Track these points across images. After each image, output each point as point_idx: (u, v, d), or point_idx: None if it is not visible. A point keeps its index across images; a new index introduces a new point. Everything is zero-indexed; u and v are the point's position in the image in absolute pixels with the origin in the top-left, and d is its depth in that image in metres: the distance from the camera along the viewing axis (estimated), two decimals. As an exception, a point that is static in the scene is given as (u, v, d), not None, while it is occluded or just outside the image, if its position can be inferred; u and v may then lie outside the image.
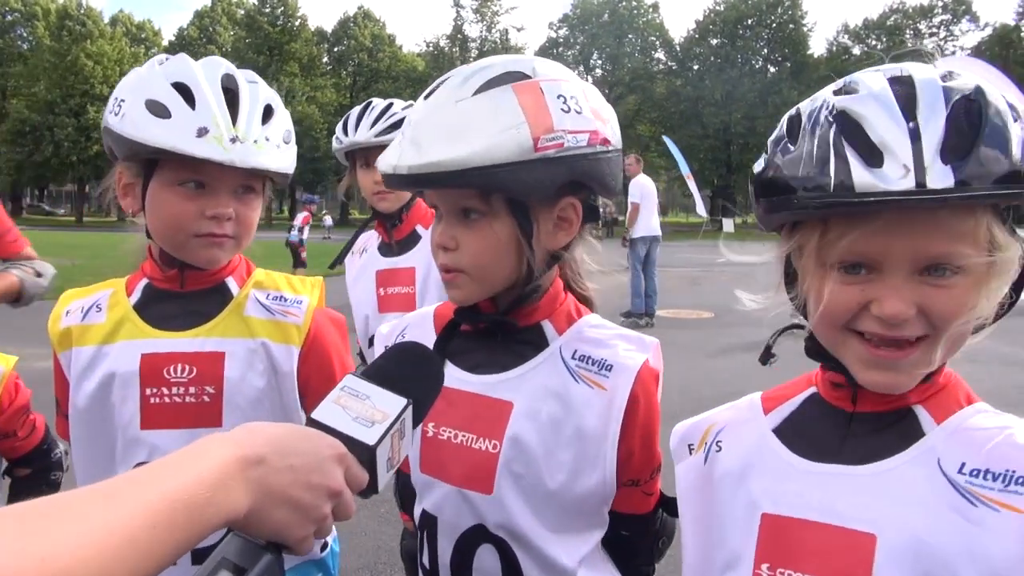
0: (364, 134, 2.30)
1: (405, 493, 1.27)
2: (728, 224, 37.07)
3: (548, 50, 56.64)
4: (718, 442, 0.97)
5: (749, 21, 52.36)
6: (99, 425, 1.27)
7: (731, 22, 51.97)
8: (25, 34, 51.04)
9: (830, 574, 0.81)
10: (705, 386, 6.72)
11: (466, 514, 1.09)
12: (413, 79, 51.27)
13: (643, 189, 9.78)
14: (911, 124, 0.76)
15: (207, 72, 1.22)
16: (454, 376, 1.12)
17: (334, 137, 2.42)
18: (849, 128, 0.78)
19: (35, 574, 0.50)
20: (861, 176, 0.76)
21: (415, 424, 0.83)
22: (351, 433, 0.75)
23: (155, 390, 1.24)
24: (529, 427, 1.06)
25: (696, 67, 54.30)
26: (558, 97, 1.00)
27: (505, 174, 0.96)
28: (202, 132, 1.16)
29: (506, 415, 1.07)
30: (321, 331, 1.33)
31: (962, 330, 0.80)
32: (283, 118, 1.29)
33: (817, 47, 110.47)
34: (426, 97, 1.03)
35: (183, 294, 1.29)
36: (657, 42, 56.35)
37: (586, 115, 1.02)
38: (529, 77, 1.01)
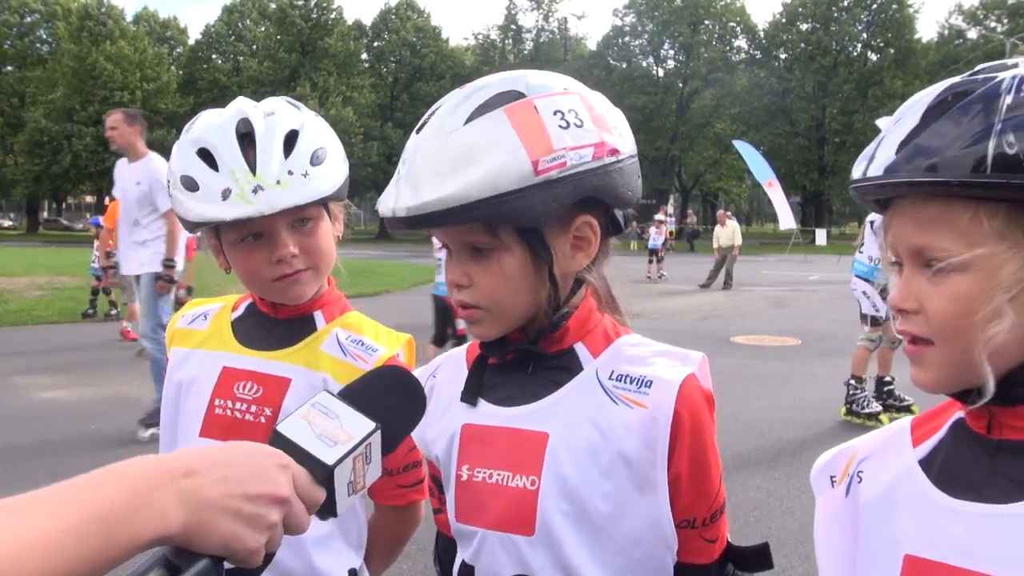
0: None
1: (445, 559, 1.29)
2: (821, 235, 36.40)
3: (613, 40, 56.88)
4: (859, 472, 0.98)
5: (845, 3, 51.63)
6: (171, 423, 1.51)
7: (824, 4, 51.30)
8: (45, 36, 53.66)
9: None
10: (789, 426, 6.48)
11: (506, 561, 1.11)
12: (461, 76, 52.00)
13: None
14: (897, 120, 0.86)
15: (223, 125, 1.38)
16: (485, 412, 1.16)
17: None
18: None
19: None
20: (855, 168, 0.91)
21: (386, 451, 0.88)
22: (310, 449, 0.81)
23: (222, 401, 1.44)
24: (568, 458, 1.09)
25: (783, 56, 53.74)
26: (555, 113, 1.04)
27: (508, 204, 1.00)
28: (226, 194, 1.33)
29: (542, 447, 1.10)
30: None
31: (967, 335, 0.80)
32: (309, 138, 1.40)
33: (926, 31, 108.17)
34: (418, 131, 1.07)
35: (277, 320, 1.50)
36: (738, 28, 56.04)
37: (588, 127, 1.05)
38: (523, 95, 1.05)
